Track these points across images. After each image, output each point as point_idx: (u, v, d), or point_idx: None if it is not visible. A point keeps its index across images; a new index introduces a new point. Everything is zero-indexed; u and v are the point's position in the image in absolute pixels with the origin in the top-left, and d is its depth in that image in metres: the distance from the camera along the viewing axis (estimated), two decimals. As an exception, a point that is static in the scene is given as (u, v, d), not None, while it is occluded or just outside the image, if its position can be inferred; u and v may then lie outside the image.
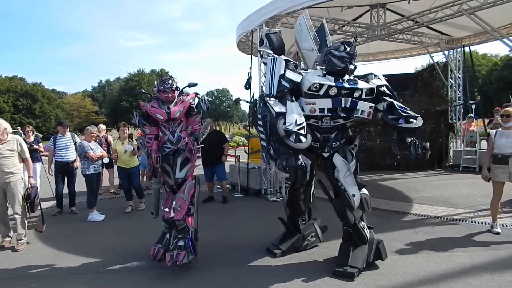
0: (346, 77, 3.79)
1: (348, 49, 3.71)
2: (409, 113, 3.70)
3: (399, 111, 3.71)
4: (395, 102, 3.77)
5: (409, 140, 3.75)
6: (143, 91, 4.67)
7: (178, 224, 3.93)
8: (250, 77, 8.46)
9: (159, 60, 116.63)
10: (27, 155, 4.99)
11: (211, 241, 4.86)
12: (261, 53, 4.54)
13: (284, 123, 3.41)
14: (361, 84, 3.77)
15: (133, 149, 6.35)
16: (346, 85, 3.68)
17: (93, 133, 6.45)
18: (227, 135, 11.42)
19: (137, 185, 6.79)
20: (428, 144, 3.79)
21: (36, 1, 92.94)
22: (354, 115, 3.84)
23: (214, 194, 7.63)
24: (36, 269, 4.13)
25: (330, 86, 3.63)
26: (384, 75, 4.05)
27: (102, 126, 9.17)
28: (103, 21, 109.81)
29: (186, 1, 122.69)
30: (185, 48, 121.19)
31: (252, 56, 8.93)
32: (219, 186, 7.85)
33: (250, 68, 8.58)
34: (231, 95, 69.96)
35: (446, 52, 10.79)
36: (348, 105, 3.70)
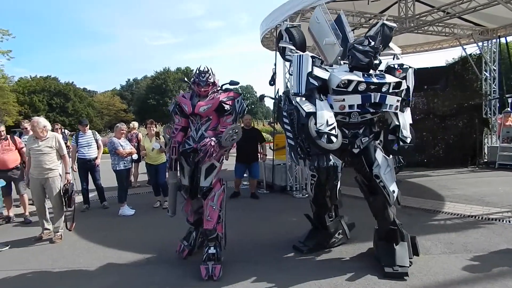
0: (372, 72, 3.69)
1: (373, 43, 3.64)
2: (406, 142, 3.71)
3: (400, 138, 3.72)
4: (402, 127, 3.74)
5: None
6: (186, 79, 4.22)
7: (208, 233, 3.79)
8: (274, 73, 8.43)
9: (183, 58, 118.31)
10: (65, 152, 5.21)
11: (235, 236, 4.88)
12: (280, 49, 4.45)
13: (315, 124, 3.41)
14: (389, 78, 3.67)
15: (160, 146, 6.37)
16: (375, 79, 3.59)
17: (122, 130, 6.65)
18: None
19: (162, 182, 6.80)
20: (403, 165, 4.03)
21: (66, 4, 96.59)
22: (382, 110, 3.74)
23: (240, 190, 7.67)
24: (72, 260, 4.32)
25: (359, 82, 3.56)
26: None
27: (135, 124, 9.51)
28: (129, 21, 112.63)
29: (209, 0, 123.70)
30: (208, 45, 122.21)
31: (277, 52, 8.89)
32: (245, 182, 7.89)
33: (275, 64, 8.54)
34: (255, 92, 69.85)
35: (480, 43, 10.30)
36: (377, 100, 3.61)
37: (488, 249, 4.13)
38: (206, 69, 3.88)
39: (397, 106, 3.71)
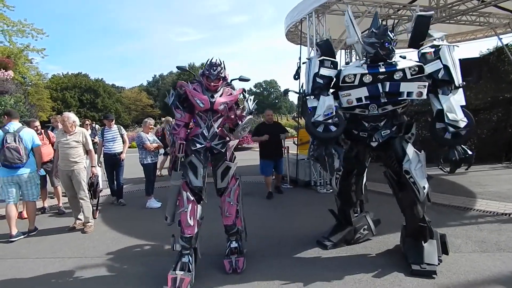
0: (396, 59, 3.56)
1: (377, 31, 3.53)
2: (458, 126, 3.35)
3: (448, 124, 3.38)
4: (446, 110, 3.40)
5: (451, 155, 3.44)
6: (187, 68, 3.94)
7: (229, 229, 3.82)
8: (299, 67, 8.39)
9: (208, 53, 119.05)
10: (91, 146, 5.43)
11: (260, 231, 4.93)
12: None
13: (314, 116, 3.58)
14: (402, 63, 3.50)
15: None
16: (382, 69, 3.48)
17: (150, 125, 6.81)
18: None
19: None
20: (473, 155, 3.44)
21: (93, 3, 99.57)
22: (401, 99, 3.55)
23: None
24: (102, 249, 4.50)
25: (363, 74, 3.51)
26: None
27: (169, 118, 9.59)
28: (154, 18, 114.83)
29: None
30: (233, 40, 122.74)
31: (301, 45, 8.79)
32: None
33: (299, 58, 8.48)
34: (279, 86, 69.51)
35: (517, 33, 9.76)
36: (387, 90, 3.50)
37: (524, 249, 3.94)
38: (219, 62, 3.61)
39: (420, 92, 3.46)
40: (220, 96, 3.64)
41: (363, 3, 7.93)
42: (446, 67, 3.46)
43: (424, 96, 3.52)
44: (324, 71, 3.73)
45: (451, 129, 3.37)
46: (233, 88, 3.81)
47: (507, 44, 10.09)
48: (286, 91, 9.79)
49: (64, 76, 45.00)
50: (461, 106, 3.44)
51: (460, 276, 3.38)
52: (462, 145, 3.46)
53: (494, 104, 9.50)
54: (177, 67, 3.77)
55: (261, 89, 73.88)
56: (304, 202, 6.61)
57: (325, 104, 3.60)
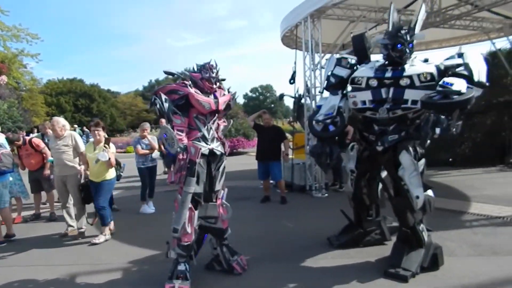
0: (411, 63, 3.53)
1: (390, 32, 3.53)
2: (450, 88, 3.09)
3: (440, 85, 3.16)
4: (445, 79, 3.22)
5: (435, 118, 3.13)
6: (175, 72, 3.72)
7: (225, 232, 3.78)
8: (294, 72, 8.44)
9: (205, 58, 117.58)
10: (82, 149, 5.32)
11: (255, 236, 4.91)
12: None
13: (317, 114, 3.72)
14: (410, 70, 3.46)
15: (109, 158, 4.93)
16: (388, 74, 3.48)
17: (145, 129, 6.75)
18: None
19: (102, 206, 5.01)
20: (458, 124, 3.20)
21: (89, 6, 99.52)
22: (404, 106, 3.48)
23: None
24: (94, 257, 4.43)
25: (368, 78, 3.53)
26: None
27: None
28: (151, 22, 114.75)
29: (232, 0, 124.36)
30: (230, 45, 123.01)
31: (297, 50, 8.82)
32: (272, 181, 7.65)
33: (295, 63, 8.51)
34: (275, 91, 69.58)
35: (510, 37, 9.85)
36: (390, 96, 3.49)
37: (518, 252, 3.95)
38: (215, 64, 3.61)
39: None
40: (217, 97, 3.63)
41: (358, 8, 8.00)
42: (467, 65, 3.35)
43: None
44: (338, 71, 3.82)
45: (441, 89, 3.11)
46: (222, 88, 3.81)
47: (500, 49, 10.20)
48: (282, 96, 9.78)
49: (59, 81, 44.81)
50: (468, 86, 3.18)
51: (455, 280, 3.36)
52: (445, 111, 3.13)
53: (489, 108, 9.57)
54: (164, 72, 3.69)
55: (257, 94, 74.03)
56: (300, 207, 6.59)
57: (329, 103, 3.72)
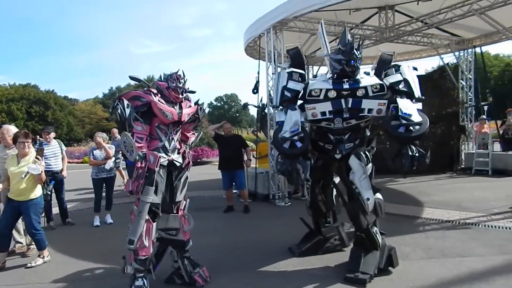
0: (358, 76, 3.74)
1: (344, 49, 3.69)
2: (411, 120, 3.44)
3: (401, 117, 3.48)
4: (401, 106, 3.52)
5: (405, 150, 3.50)
6: (141, 78, 3.61)
7: (187, 243, 3.71)
8: (257, 82, 8.55)
9: (169, 66, 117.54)
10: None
11: (219, 246, 4.86)
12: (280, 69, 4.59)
13: (281, 131, 3.66)
14: (364, 81, 3.69)
15: (41, 172, 4.35)
16: (346, 85, 3.66)
17: (97, 139, 6.48)
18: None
19: (36, 230, 4.42)
20: (428, 154, 3.53)
21: (47, 9, 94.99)
22: (362, 115, 3.73)
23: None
24: (46, 275, 4.15)
25: (328, 90, 3.67)
26: None
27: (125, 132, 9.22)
28: (113, 28, 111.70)
29: (197, 8, 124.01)
30: (195, 54, 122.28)
31: (260, 60, 8.94)
32: (235, 191, 7.65)
33: (258, 73, 8.63)
34: (240, 100, 69.96)
35: (456, 53, 10.65)
36: (350, 106, 3.67)
37: (464, 254, 4.21)
38: (183, 75, 3.58)
39: (380, 109, 3.66)
40: (184, 108, 3.61)
41: (318, 21, 8.24)
42: (406, 81, 3.68)
43: (383, 113, 3.69)
44: (292, 85, 3.86)
45: (403, 121, 3.45)
46: (189, 100, 3.78)
47: (448, 63, 10.96)
48: (245, 105, 9.85)
49: (11, 87, 42.20)
50: (418, 110, 3.57)
51: (409, 283, 3.52)
52: (416, 145, 3.52)
53: (439, 119, 10.22)
54: (130, 77, 3.59)
55: (222, 103, 74.03)
56: (263, 216, 6.61)
57: (292, 119, 3.71)
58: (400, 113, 3.47)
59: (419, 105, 3.68)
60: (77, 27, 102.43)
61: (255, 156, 9.07)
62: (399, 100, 3.60)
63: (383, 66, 3.93)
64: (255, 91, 8.41)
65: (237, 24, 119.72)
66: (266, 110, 8.02)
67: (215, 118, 58.27)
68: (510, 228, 5.05)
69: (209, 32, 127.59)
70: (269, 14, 7.69)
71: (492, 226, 5.20)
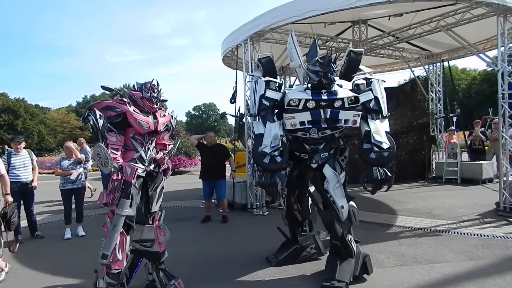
0: (335, 88, 3.86)
1: (322, 61, 3.81)
2: (382, 148, 3.68)
3: (373, 143, 3.70)
4: (373, 132, 3.74)
5: (374, 174, 3.73)
6: (113, 88, 3.58)
7: (162, 255, 3.62)
8: (235, 92, 8.60)
9: (147, 75, 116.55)
10: (3, 171, 4.83)
11: (195, 257, 4.80)
12: (253, 77, 4.63)
13: (261, 145, 3.68)
14: (341, 93, 3.82)
15: None
16: (324, 97, 3.76)
17: (67, 148, 6.32)
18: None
19: None
20: (392, 177, 3.79)
21: (19, 15, 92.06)
22: (338, 125, 3.86)
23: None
24: (12, 290, 3.97)
25: (307, 100, 3.75)
26: None
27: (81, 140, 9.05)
28: (89, 36, 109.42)
29: (175, 18, 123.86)
30: (173, 63, 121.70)
31: (237, 70, 9.02)
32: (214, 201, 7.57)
33: (236, 83, 8.69)
34: (218, 109, 70.11)
35: (426, 66, 11.12)
36: (328, 116, 3.77)
37: (436, 260, 4.35)
38: (157, 84, 3.55)
39: (355, 120, 3.81)
40: (158, 118, 3.55)
41: (296, 34, 8.45)
42: (376, 98, 3.87)
43: (357, 124, 3.85)
44: (270, 94, 3.89)
45: (376, 149, 3.68)
46: (163, 109, 3.74)
47: (418, 76, 11.42)
48: (223, 114, 9.88)
49: (-23, 95, 40.42)
50: (386, 132, 3.82)
51: (383, 290, 3.60)
52: (384, 168, 3.78)
53: (410, 129, 10.59)
54: (102, 87, 3.52)
55: (200, 112, 73.76)
56: (241, 225, 6.59)
57: (271, 133, 3.73)
58: (372, 140, 3.70)
59: (386, 125, 3.90)
60: (49, 35, 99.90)
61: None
62: (371, 123, 3.82)
63: (352, 66, 4.10)
64: (232, 100, 8.45)
65: (215, 33, 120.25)
66: (244, 120, 8.06)
67: (193, 127, 57.90)
68: (477, 235, 5.26)
69: (187, 41, 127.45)
70: (246, 25, 7.79)
71: (461, 233, 5.39)
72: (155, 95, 3.48)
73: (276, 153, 3.65)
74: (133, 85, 3.55)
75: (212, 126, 65.94)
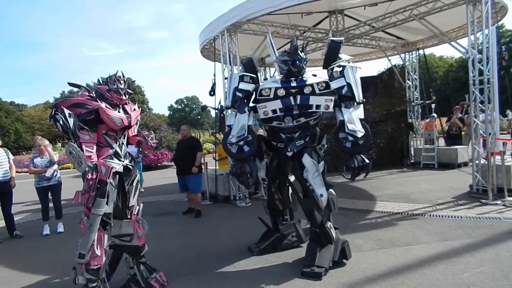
0: (308, 76, 3.94)
1: (289, 51, 3.92)
2: (356, 136, 3.75)
3: (347, 133, 3.77)
4: (346, 122, 3.79)
5: (351, 162, 3.83)
6: (81, 85, 3.46)
7: (142, 249, 3.62)
8: (214, 84, 8.54)
9: (125, 68, 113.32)
10: None
11: (177, 250, 4.82)
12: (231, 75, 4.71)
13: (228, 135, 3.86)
14: (312, 79, 3.91)
15: None
16: (293, 83, 3.85)
17: (39, 145, 6.19)
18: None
19: None
20: (370, 164, 3.88)
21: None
22: (311, 111, 3.91)
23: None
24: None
25: (277, 88, 3.86)
26: None
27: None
28: (63, 30, 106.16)
29: (153, 10, 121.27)
30: (152, 56, 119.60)
31: (216, 62, 8.95)
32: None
33: (214, 75, 8.63)
34: (201, 102, 69.34)
35: (402, 55, 11.32)
36: (298, 102, 3.86)
37: (411, 242, 4.51)
38: (122, 75, 3.47)
39: (327, 105, 3.86)
40: (126, 111, 3.51)
41: (271, 24, 8.45)
42: (349, 85, 3.89)
43: (331, 109, 3.91)
44: (243, 86, 4.03)
45: (350, 138, 3.77)
46: (132, 103, 3.70)
47: (395, 65, 11.62)
48: (204, 107, 9.85)
49: None
50: (360, 119, 3.88)
51: (360, 273, 3.72)
52: (361, 155, 3.87)
53: (389, 117, 10.82)
54: (69, 84, 3.44)
55: (183, 105, 72.96)
56: (223, 217, 6.62)
57: (239, 123, 3.87)
58: (346, 130, 3.77)
59: (361, 112, 3.93)
60: (24, 28, 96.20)
61: (215, 158, 9.06)
62: (344, 112, 3.87)
63: (332, 55, 4.13)
64: (211, 93, 8.39)
65: (195, 25, 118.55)
66: (224, 112, 8.04)
67: (176, 121, 57.22)
68: (451, 217, 5.48)
69: (167, 35, 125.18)
70: (223, 17, 7.72)
71: (436, 216, 5.59)
72: (122, 86, 3.42)
73: (241, 142, 3.79)
74: (98, 79, 3.48)
75: (195, 120, 65.42)
